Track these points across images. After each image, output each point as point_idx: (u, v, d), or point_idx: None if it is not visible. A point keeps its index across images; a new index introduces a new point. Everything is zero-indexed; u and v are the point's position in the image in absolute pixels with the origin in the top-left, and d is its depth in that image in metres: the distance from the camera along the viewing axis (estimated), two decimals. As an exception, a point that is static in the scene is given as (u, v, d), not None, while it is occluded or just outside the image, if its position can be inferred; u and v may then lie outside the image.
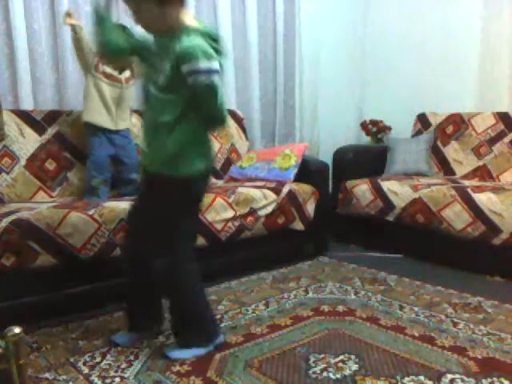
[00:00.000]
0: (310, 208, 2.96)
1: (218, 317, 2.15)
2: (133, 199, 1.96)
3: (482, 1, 3.45)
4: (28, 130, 2.64)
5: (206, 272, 2.53)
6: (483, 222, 2.63)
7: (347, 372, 1.68)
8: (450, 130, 3.51)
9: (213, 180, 3.21)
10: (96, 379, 1.66)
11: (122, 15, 2.89)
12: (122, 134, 2.64)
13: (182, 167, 1.70)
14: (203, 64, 1.56)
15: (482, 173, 3.27)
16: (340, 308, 2.25)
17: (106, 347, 1.88)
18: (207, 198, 2.52)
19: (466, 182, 3.04)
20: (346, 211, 3.31)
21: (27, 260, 2.01)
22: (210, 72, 1.57)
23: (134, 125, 2.86)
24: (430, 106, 3.68)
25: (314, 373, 1.68)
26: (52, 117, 2.73)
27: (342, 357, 1.78)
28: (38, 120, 2.68)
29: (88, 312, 2.19)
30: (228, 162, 3.31)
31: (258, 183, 2.91)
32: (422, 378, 1.63)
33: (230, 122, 3.40)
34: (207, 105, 1.64)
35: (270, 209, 2.74)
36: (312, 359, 1.77)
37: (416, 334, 1.95)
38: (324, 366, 1.72)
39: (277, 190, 2.81)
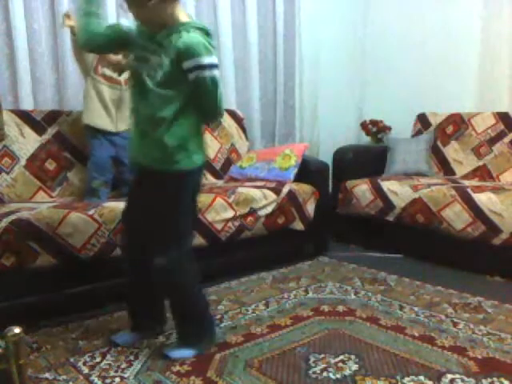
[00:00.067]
0: (310, 208, 2.96)
1: (218, 317, 2.16)
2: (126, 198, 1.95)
3: (481, 1, 3.45)
4: (28, 130, 2.64)
5: (206, 272, 2.53)
6: (483, 222, 2.63)
7: (347, 372, 1.68)
8: (449, 130, 3.51)
9: (213, 180, 3.22)
10: (96, 379, 1.66)
11: (120, 11, 2.91)
12: (122, 135, 2.64)
13: (181, 162, 1.71)
14: (206, 59, 1.61)
15: (482, 173, 3.27)
16: (340, 308, 2.25)
17: (106, 347, 1.88)
18: (207, 198, 2.52)
19: (466, 182, 3.04)
20: (346, 211, 3.31)
21: (27, 260, 2.01)
22: (212, 67, 1.63)
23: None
24: (430, 106, 3.68)
25: (314, 373, 1.68)
26: (52, 117, 2.73)
27: (342, 357, 1.78)
28: (38, 120, 2.68)
29: (88, 312, 2.19)
30: (228, 162, 3.31)
31: (258, 183, 2.91)
32: (421, 377, 1.63)
33: (230, 121, 3.41)
34: (208, 99, 1.68)
35: (269, 209, 2.74)
36: (312, 359, 1.77)
37: (416, 334, 1.95)
38: (324, 365, 1.72)
39: (277, 190, 2.81)
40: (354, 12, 4.14)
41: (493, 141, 3.28)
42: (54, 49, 2.86)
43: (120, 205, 2.25)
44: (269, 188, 2.81)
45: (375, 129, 3.95)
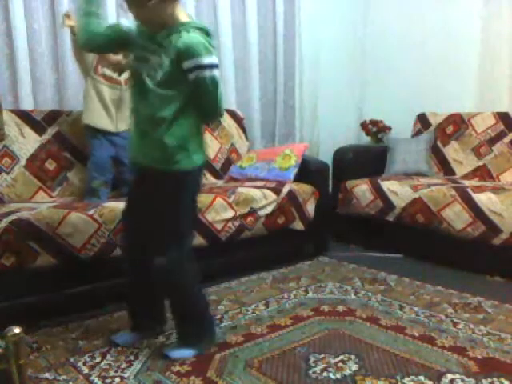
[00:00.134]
0: (310, 208, 2.96)
1: (218, 317, 2.16)
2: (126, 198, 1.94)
3: (481, 1, 3.44)
4: (28, 130, 2.64)
5: (206, 272, 2.53)
6: (483, 222, 2.63)
7: (347, 372, 1.68)
8: (449, 130, 3.51)
9: (213, 180, 3.22)
10: (96, 379, 1.66)
11: (120, 11, 2.91)
12: (122, 135, 2.63)
13: (181, 162, 1.71)
14: (206, 59, 1.62)
15: (482, 173, 3.27)
16: (340, 308, 2.25)
17: (106, 347, 1.88)
18: (207, 198, 2.52)
19: (466, 182, 3.04)
20: (346, 211, 3.31)
21: (27, 260, 2.01)
22: (212, 67, 1.64)
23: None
24: (430, 106, 3.68)
25: (314, 373, 1.68)
26: (52, 117, 2.73)
27: (342, 357, 1.78)
28: (38, 120, 2.68)
29: (88, 312, 2.19)
30: (228, 162, 3.31)
31: (258, 183, 2.91)
32: (421, 378, 1.63)
33: (230, 121, 3.41)
34: (208, 98, 1.69)
35: (269, 209, 2.74)
36: (312, 359, 1.77)
37: (416, 334, 1.95)
38: (324, 365, 1.72)
39: (277, 190, 2.81)
40: (354, 12, 4.14)
41: (493, 141, 3.28)
42: (54, 49, 2.86)
43: (120, 205, 2.25)
44: (269, 188, 2.81)
45: (375, 129, 3.95)
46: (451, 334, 1.96)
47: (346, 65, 4.14)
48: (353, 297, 2.39)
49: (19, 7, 2.67)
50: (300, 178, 2.99)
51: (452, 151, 3.47)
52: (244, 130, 3.51)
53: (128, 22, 1.79)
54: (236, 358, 1.79)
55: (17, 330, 1.17)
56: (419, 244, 3.00)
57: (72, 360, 1.79)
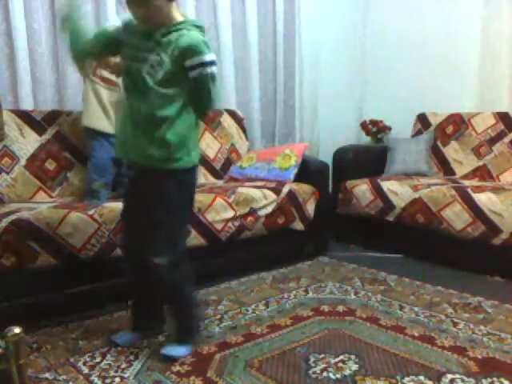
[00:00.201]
0: (310, 208, 2.96)
1: (218, 317, 2.16)
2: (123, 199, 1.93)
3: (481, 1, 3.44)
4: (28, 130, 2.64)
5: (206, 272, 2.55)
6: (483, 222, 2.63)
7: (347, 372, 1.68)
8: (450, 130, 3.51)
9: (213, 180, 3.22)
10: (96, 379, 1.66)
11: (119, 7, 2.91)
12: None
13: (181, 159, 1.72)
14: (208, 57, 1.66)
15: (482, 173, 3.27)
16: (340, 308, 2.25)
17: (106, 347, 1.88)
18: (207, 198, 2.52)
19: (466, 182, 3.04)
20: (346, 211, 3.31)
21: (27, 260, 2.01)
22: (212, 64, 1.68)
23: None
24: (430, 106, 3.68)
25: (314, 373, 1.68)
26: (52, 117, 2.73)
27: (342, 357, 1.78)
28: (38, 120, 2.68)
29: (88, 312, 2.19)
30: (228, 162, 3.31)
31: (258, 183, 2.91)
32: (421, 378, 1.63)
33: (230, 121, 3.41)
34: (207, 95, 1.73)
35: (269, 209, 2.74)
36: (312, 359, 1.77)
37: (416, 334, 1.95)
38: (324, 366, 1.72)
39: (277, 190, 2.81)
40: (354, 12, 4.14)
41: (493, 141, 3.28)
42: (54, 49, 2.86)
43: (120, 205, 2.25)
44: (269, 188, 2.81)
45: (375, 129, 3.95)
46: (451, 333, 1.96)
47: (346, 65, 4.14)
48: (353, 297, 2.39)
49: (19, 7, 2.67)
50: (300, 178, 2.99)
51: (452, 151, 3.47)
52: (244, 130, 3.50)
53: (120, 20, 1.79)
54: (236, 357, 1.79)
55: (17, 330, 1.17)
56: (419, 244, 3.00)
57: (72, 360, 1.79)
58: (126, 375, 1.68)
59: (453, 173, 3.42)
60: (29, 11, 2.73)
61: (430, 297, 2.37)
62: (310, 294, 2.43)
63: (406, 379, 1.62)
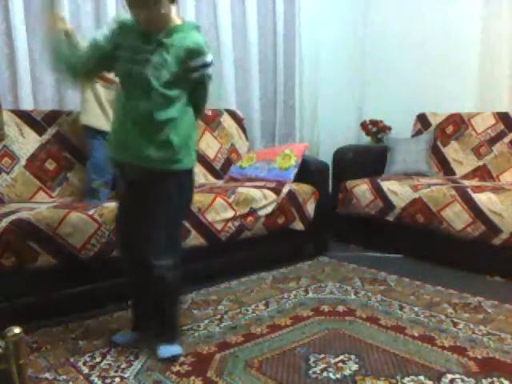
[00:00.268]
0: (310, 208, 2.96)
1: (218, 317, 2.16)
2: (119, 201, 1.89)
3: (481, 1, 3.44)
4: (28, 130, 2.64)
5: (206, 272, 2.55)
6: (483, 222, 2.63)
7: (347, 372, 1.68)
8: (449, 130, 3.51)
9: (213, 180, 3.22)
10: (96, 379, 1.66)
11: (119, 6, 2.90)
12: None
13: (183, 160, 1.74)
14: (209, 58, 1.72)
15: (482, 173, 3.27)
16: (340, 308, 2.25)
17: (106, 347, 1.88)
18: (207, 198, 2.52)
19: (466, 182, 3.04)
20: (346, 211, 3.31)
21: (27, 260, 2.01)
22: (211, 64, 1.74)
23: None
24: (430, 106, 3.68)
25: (314, 373, 1.68)
26: (52, 117, 2.73)
27: (342, 357, 1.78)
28: (37, 120, 2.68)
29: (88, 312, 2.19)
30: (228, 162, 3.31)
31: (258, 183, 2.91)
32: (421, 378, 1.63)
33: (230, 121, 3.41)
34: (206, 94, 1.81)
35: (269, 209, 2.74)
36: (312, 359, 1.77)
37: (416, 334, 1.95)
38: (324, 366, 1.72)
39: (277, 190, 2.81)
40: (354, 12, 4.14)
41: (493, 141, 3.28)
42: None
43: (120, 205, 2.26)
44: (269, 188, 2.81)
45: (375, 129, 3.95)
46: (451, 333, 1.96)
47: (346, 65, 4.14)
48: (353, 297, 2.39)
49: (19, 7, 2.67)
50: (300, 178, 2.99)
51: (452, 151, 3.47)
52: (244, 130, 3.50)
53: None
54: (236, 358, 1.79)
55: (17, 330, 1.17)
56: (419, 244, 3.00)
57: (72, 360, 1.79)
58: (126, 375, 1.68)
59: (453, 173, 3.42)
60: (29, 11, 2.73)
61: (430, 297, 2.37)
62: (310, 294, 2.43)
63: (406, 379, 1.62)
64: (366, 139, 4.09)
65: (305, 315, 2.18)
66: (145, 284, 1.86)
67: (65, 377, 1.68)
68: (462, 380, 1.61)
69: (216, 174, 3.26)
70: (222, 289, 2.52)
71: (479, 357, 1.76)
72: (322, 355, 1.80)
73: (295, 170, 2.99)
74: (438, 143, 3.54)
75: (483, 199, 2.65)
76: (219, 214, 2.54)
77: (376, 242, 3.22)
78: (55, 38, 1.73)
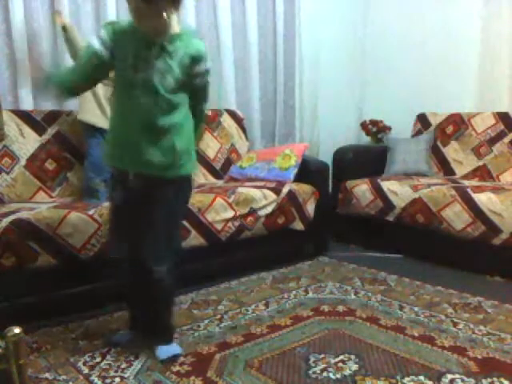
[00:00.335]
0: (310, 208, 2.96)
1: (218, 317, 2.16)
2: (115, 209, 1.84)
3: (481, 1, 3.44)
4: (28, 130, 2.64)
5: (206, 272, 2.55)
6: (483, 222, 2.63)
7: (347, 372, 1.68)
8: (449, 130, 3.51)
9: (213, 180, 3.22)
10: (96, 379, 1.66)
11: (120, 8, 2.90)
12: None
13: (186, 165, 1.75)
14: (209, 64, 1.74)
15: (482, 173, 3.27)
16: (340, 308, 2.25)
17: (106, 347, 1.88)
18: (207, 198, 2.52)
19: (466, 182, 3.04)
20: (346, 211, 3.31)
21: (27, 260, 2.01)
22: (210, 69, 1.77)
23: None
24: (430, 106, 3.68)
25: (314, 373, 1.68)
26: (52, 117, 2.73)
27: (342, 357, 1.78)
28: (37, 120, 2.68)
29: (88, 312, 2.19)
30: (228, 162, 3.31)
31: (258, 183, 2.91)
32: (421, 378, 1.63)
33: (230, 121, 3.41)
34: (207, 98, 1.83)
35: (269, 209, 2.74)
36: (312, 359, 1.77)
37: (416, 334, 1.95)
38: (324, 366, 1.72)
39: (277, 190, 2.81)
40: (354, 12, 4.14)
41: (493, 141, 3.28)
42: (54, 49, 2.85)
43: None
44: (269, 188, 2.81)
45: (375, 129, 3.95)
46: (451, 333, 1.96)
47: (346, 65, 4.14)
48: (353, 297, 2.39)
49: (19, 7, 2.67)
50: (300, 178, 2.99)
51: (452, 151, 3.47)
52: (244, 130, 3.50)
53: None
54: (236, 358, 1.79)
55: (17, 330, 1.17)
56: (419, 244, 3.00)
57: (72, 360, 1.79)
58: (126, 375, 1.68)
59: (453, 173, 3.42)
60: (29, 11, 2.73)
61: (430, 297, 2.37)
62: (310, 294, 2.43)
63: (406, 379, 1.62)
64: (366, 139, 4.09)
65: (305, 315, 2.18)
66: (142, 285, 1.86)
67: (65, 377, 1.68)
68: (462, 380, 1.61)
69: (216, 174, 3.26)
70: (221, 289, 2.52)
71: (479, 357, 1.76)
72: (322, 355, 1.80)
73: (295, 170, 2.99)
74: (438, 143, 3.54)
75: (483, 199, 2.65)
76: (219, 214, 2.54)
77: (376, 242, 3.22)
78: (44, 75, 1.73)
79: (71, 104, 2.87)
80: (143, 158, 1.69)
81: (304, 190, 2.94)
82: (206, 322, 2.10)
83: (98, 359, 1.79)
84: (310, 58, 3.90)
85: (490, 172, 3.24)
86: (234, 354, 1.82)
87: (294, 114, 3.92)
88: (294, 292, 2.47)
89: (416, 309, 2.22)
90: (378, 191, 3.11)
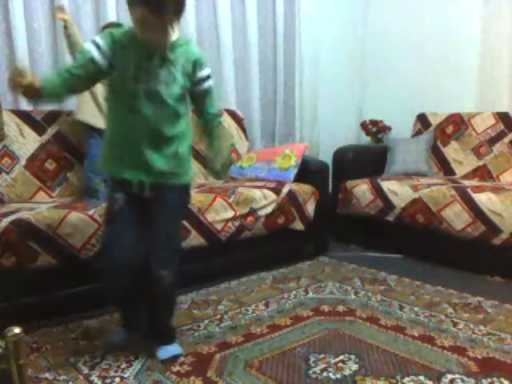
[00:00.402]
0: (310, 208, 2.96)
1: (218, 317, 2.16)
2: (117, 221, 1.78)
3: (481, 1, 3.45)
4: (28, 130, 2.64)
5: (206, 272, 2.55)
6: (483, 222, 2.63)
7: (347, 372, 1.68)
8: (449, 130, 3.51)
9: (212, 180, 3.21)
10: (96, 379, 1.66)
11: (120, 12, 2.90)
12: None
13: (188, 172, 1.79)
14: (209, 69, 1.77)
15: (482, 173, 3.27)
16: (340, 308, 2.25)
17: (106, 353, 1.87)
18: (207, 198, 2.52)
19: (466, 182, 3.04)
20: (346, 211, 3.31)
21: (27, 260, 2.01)
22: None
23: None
24: (430, 106, 3.68)
25: (314, 373, 1.68)
26: (52, 117, 2.73)
27: (342, 357, 1.78)
28: (37, 120, 2.68)
29: (88, 312, 2.18)
30: (228, 162, 3.31)
31: (258, 183, 2.91)
32: (421, 378, 1.63)
33: (230, 121, 3.41)
34: (214, 102, 1.83)
35: (269, 209, 2.74)
36: (312, 359, 1.77)
37: (416, 334, 1.95)
38: (324, 366, 1.72)
39: (277, 190, 2.81)
40: (354, 12, 4.14)
41: (493, 141, 3.28)
42: (54, 49, 2.86)
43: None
44: (269, 188, 2.81)
45: (375, 129, 3.95)
46: (451, 333, 1.96)
47: (346, 65, 4.14)
48: (353, 297, 2.39)
49: (19, 7, 2.67)
50: (300, 177, 2.99)
51: (452, 151, 3.47)
52: (244, 130, 3.51)
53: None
54: (236, 358, 1.79)
55: (17, 330, 1.17)
56: (419, 244, 3.00)
57: (72, 360, 1.79)
58: (125, 375, 1.68)
59: (453, 173, 3.42)
60: (29, 11, 2.73)
61: (430, 297, 2.37)
62: (310, 294, 2.43)
63: (406, 379, 1.62)
64: (366, 139, 4.09)
65: (305, 315, 2.17)
66: (143, 286, 1.85)
67: (65, 377, 1.68)
68: (462, 380, 1.61)
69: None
70: (221, 289, 2.52)
71: (479, 357, 1.76)
72: (322, 355, 1.80)
73: (295, 170, 2.99)
74: (438, 143, 3.54)
75: (483, 199, 2.65)
76: (219, 214, 2.54)
77: (376, 242, 3.22)
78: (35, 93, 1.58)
79: (71, 104, 2.86)
80: (150, 167, 1.68)
81: (304, 190, 2.94)
82: (206, 321, 2.10)
83: (98, 359, 1.79)
84: (309, 58, 3.90)
85: (490, 172, 3.24)
86: (234, 354, 1.82)
87: (294, 114, 3.92)
88: (293, 292, 2.47)
89: (416, 309, 2.22)
90: (378, 191, 3.11)
